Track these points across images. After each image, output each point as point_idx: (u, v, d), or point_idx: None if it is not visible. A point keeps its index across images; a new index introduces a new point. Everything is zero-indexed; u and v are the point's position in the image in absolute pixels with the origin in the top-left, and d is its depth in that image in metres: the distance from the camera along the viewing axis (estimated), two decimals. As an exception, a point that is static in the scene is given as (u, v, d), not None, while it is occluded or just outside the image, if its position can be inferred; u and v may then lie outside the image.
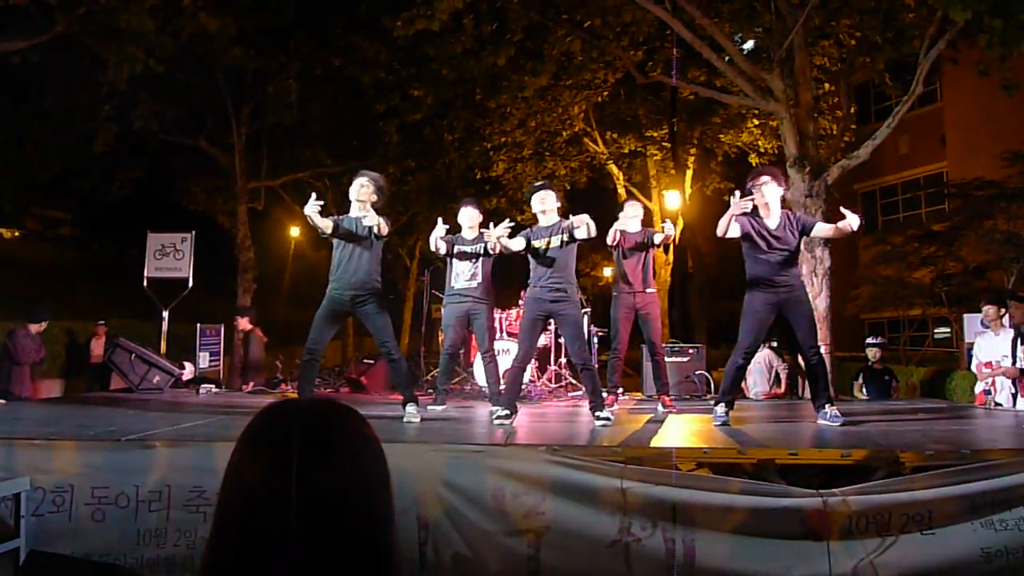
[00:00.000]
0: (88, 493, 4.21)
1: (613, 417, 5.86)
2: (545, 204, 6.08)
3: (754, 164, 17.72)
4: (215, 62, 13.28)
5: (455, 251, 6.87)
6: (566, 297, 5.88)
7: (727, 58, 10.24)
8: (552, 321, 6.45)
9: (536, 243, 6.00)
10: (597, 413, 5.78)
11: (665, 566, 3.99)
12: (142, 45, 10.65)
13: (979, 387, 8.03)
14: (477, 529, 4.11)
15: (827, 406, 5.70)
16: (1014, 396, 7.32)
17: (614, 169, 19.61)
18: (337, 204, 18.74)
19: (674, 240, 18.51)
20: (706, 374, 9.19)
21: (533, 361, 9.04)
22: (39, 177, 14.86)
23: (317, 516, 0.96)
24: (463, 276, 6.82)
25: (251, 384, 9.52)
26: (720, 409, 5.79)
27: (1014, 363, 7.05)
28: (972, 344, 8.49)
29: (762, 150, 17.02)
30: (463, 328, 6.94)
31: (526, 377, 8.98)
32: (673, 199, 19.20)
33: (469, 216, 6.90)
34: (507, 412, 5.80)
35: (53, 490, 4.22)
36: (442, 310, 7.18)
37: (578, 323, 5.94)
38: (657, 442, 4.95)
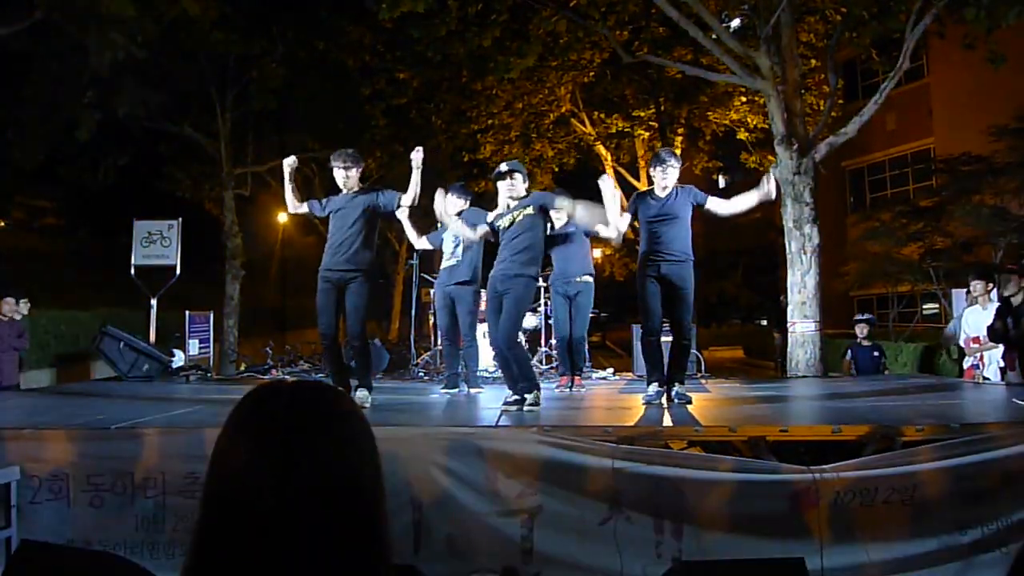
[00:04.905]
0: (84, 480, 4.22)
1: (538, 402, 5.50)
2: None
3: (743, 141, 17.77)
4: (198, 47, 13.12)
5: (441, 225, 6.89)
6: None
7: (713, 36, 10.20)
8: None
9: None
10: (525, 396, 5.40)
11: (654, 543, 4.02)
12: (123, 30, 10.51)
13: (967, 362, 8.09)
14: (470, 510, 4.13)
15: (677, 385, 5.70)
16: (1002, 370, 7.38)
17: (602, 150, 19.59)
18: (325, 189, 18.69)
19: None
20: (696, 353, 9.23)
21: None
22: (23, 166, 14.69)
23: (307, 498, 0.95)
24: (446, 254, 6.87)
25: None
26: (652, 389, 5.77)
27: (1006, 332, 7.01)
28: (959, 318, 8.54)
29: (751, 126, 17.00)
30: (449, 313, 6.94)
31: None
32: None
33: (453, 204, 6.78)
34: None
35: (48, 478, 4.22)
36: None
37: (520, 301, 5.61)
38: (648, 421, 4.98)
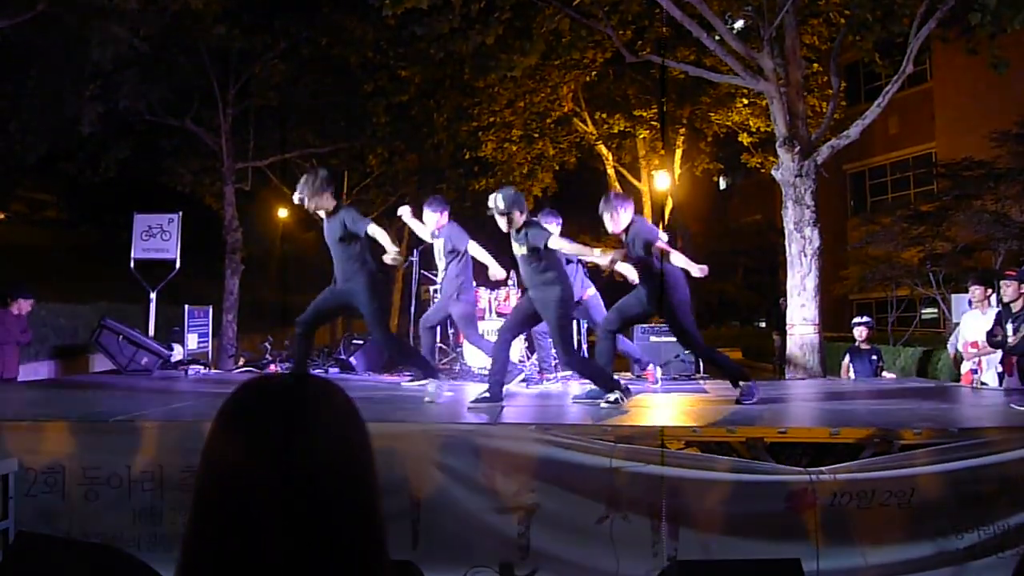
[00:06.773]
0: (80, 474, 4.22)
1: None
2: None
3: (744, 144, 17.77)
4: (200, 41, 13.12)
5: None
6: None
7: (717, 37, 10.18)
8: None
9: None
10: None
11: (651, 542, 4.02)
12: (126, 24, 10.50)
13: (966, 367, 8.07)
14: (467, 507, 4.13)
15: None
16: (1000, 375, 7.37)
17: (603, 150, 19.58)
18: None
19: (664, 221, 18.59)
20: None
21: (523, 342, 9.06)
22: (24, 159, 14.67)
23: (300, 493, 0.94)
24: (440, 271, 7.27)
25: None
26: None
27: (1003, 339, 7.01)
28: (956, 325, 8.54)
29: (753, 129, 17.00)
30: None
31: (515, 356, 9.00)
32: (662, 180, 19.21)
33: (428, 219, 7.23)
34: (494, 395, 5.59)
35: (44, 471, 4.22)
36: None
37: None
38: (647, 421, 4.97)
